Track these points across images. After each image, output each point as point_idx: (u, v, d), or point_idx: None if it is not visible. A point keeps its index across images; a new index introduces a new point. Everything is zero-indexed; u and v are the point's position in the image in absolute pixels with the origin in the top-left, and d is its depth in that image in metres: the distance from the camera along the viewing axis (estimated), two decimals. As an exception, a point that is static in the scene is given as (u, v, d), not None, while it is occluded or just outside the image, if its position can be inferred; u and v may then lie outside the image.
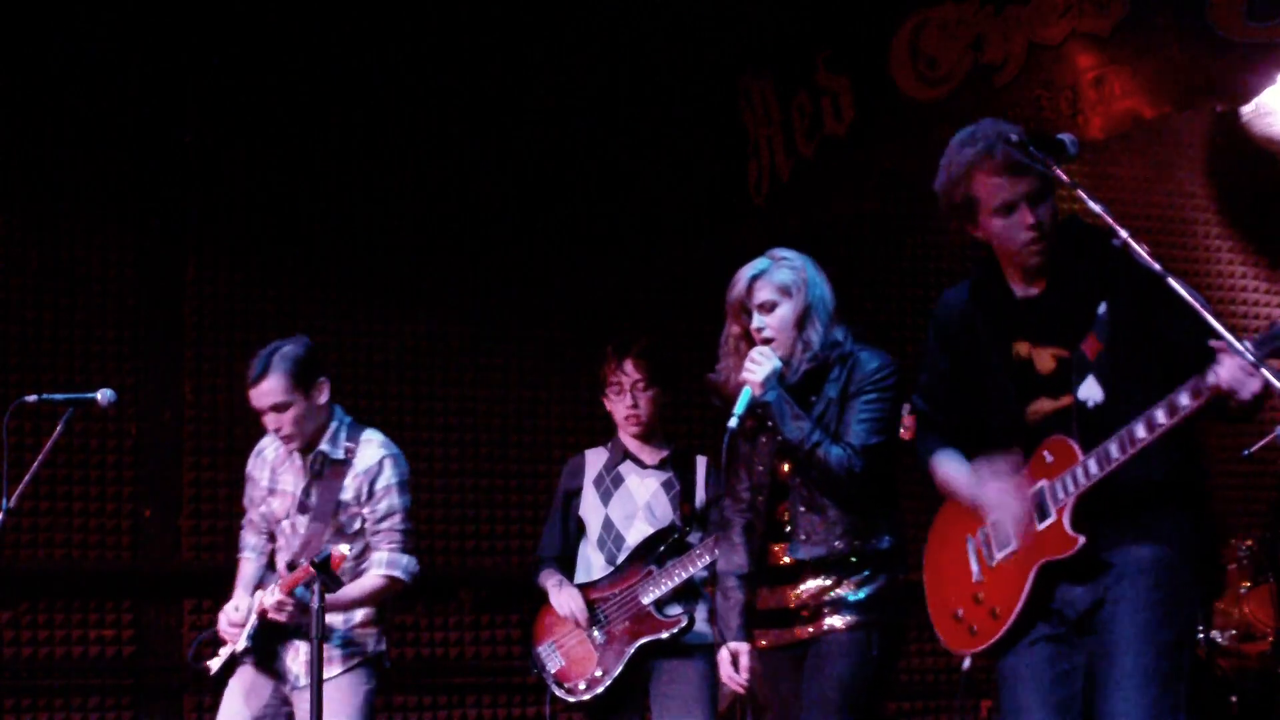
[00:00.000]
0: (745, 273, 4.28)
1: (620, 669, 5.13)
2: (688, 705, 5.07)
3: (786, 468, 4.25)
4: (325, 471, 4.86)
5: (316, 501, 4.85)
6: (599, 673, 5.16)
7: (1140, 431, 3.31)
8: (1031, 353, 3.60)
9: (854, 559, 4.17)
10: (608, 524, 5.30)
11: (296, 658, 4.78)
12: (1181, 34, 5.51)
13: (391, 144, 6.95)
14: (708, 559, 5.03)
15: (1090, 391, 3.50)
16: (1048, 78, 5.83)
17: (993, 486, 3.60)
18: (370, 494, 4.84)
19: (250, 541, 5.11)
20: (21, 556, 6.31)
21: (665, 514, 5.28)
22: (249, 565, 5.08)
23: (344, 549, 4.61)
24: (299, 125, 6.81)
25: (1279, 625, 6.13)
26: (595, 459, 5.43)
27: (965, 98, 6.03)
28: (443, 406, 6.91)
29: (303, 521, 4.88)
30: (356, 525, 4.84)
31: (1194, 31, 5.46)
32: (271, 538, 5.05)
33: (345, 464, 4.85)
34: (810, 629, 4.18)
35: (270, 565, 5.05)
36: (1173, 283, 3.21)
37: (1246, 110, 7.30)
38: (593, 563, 5.31)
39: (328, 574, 4.53)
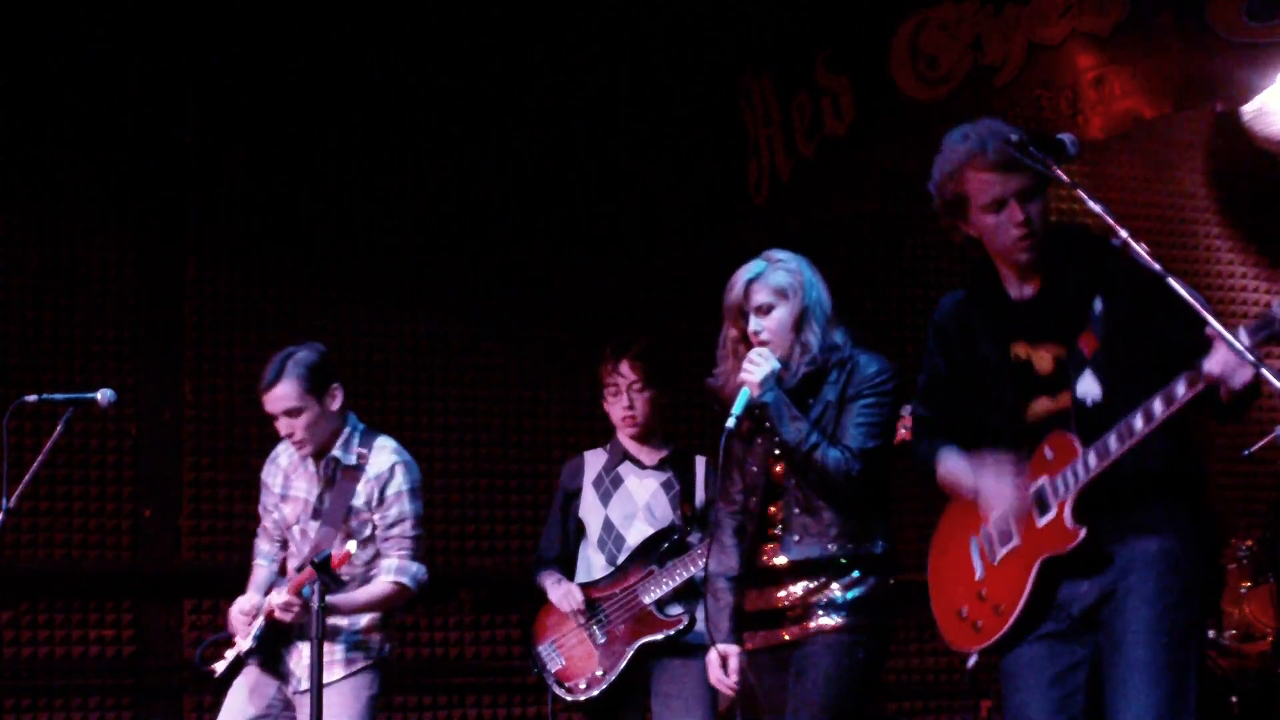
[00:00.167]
0: (741, 275, 4.27)
1: (621, 669, 5.14)
2: (688, 705, 5.07)
3: (780, 469, 4.24)
4: (337, 477, 4.87)
5: (328, 507, 4.86)
6: (600, 672, 5.16)
7: (1139, 423, 3.32)
8: (1030, 353, 3.61)
9: (844, 561, 4.16)
10: (608, 525, 5.31)
11: (300, 660, 4.78)
12: (1181, 34, 5.51)
13: (391, 144, 6.95)
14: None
15: (1088, 388, 3.50)
16: (1048, 78, 5.83)
17: (991, 479, 3.60)
18: (381, 500, 4.84)
19: (263, 549, 5.12)
20: (21, 556, 6.31)
21: (665, 514, 5.28)
22: (261, 571, 5.09)
23: (351, 546, 4.62)
24: (299, 125, 6.81)
25: (1279, 625, 6.13)
26: (594, 460, 5.44)
27: (965, 98, 6.03)
28: (443, 406, 6.91)
29: (314, 527, 4.89)
30: (367, 531, 4.84)
31: (1194, 31, 5.47)
32: (284, 545, 5.06)
33: (358, 469, 4.86)
34: (797, 630, 4.16)
35: (282, 571, 5.06)
36: (1172, 283, 3.22)
37: (1246, 110, 7.30)
38: (593, 563, 5.32)
39: (328, 574, 4.53)
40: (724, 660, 4.29)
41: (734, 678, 4.29)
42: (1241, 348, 3.09)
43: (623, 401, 5.29)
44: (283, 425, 4.86)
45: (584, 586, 5.26)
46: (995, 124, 3.57)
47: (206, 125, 6.75)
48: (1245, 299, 8.08)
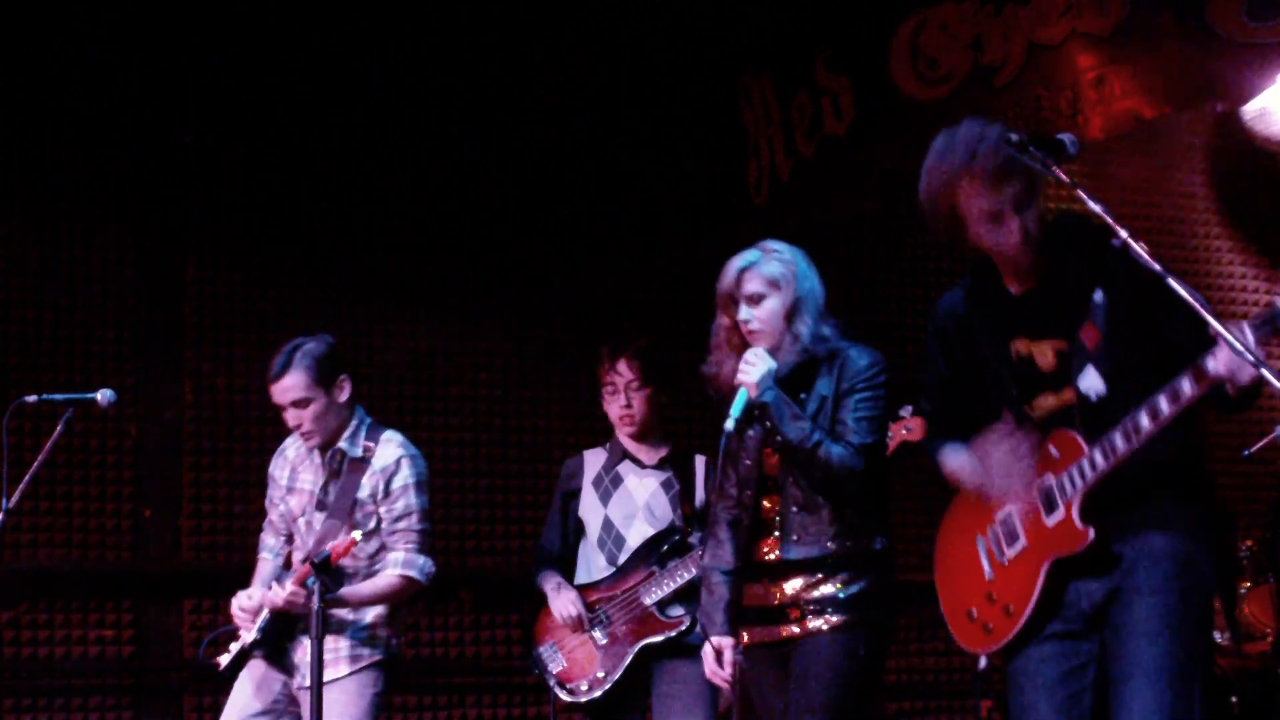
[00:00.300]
0: (734, 264, 4.25)
1: (622, 670, 5.13)
2: (689, 706, 5.07)
3: (774, 461, 4.23)
4: (343, 469, 4.87)
5: (334, 499, 4.86)
6: (601, 673, 5.16)
7: (1144, 421, 3.32)
8: (1031, 349, 3.60)
9: (844, 558, 4.15)
10: (607, 524, 5.30)
11: (306, 654, 4.77)
12: (1181, 34, 5.51)
13: (391, 144, 6.95)
14: (708, 559, 5.03)
15: (1091, 383, 3.50)
16: (1048, 78, 5.83)
17: (999, 474, 3.58)
18: (387, 492, 4.84)
19: (269, 543, 5.12)
20: (21, 556, 6.31)
21: (665, 514, 5.28)
22: (266, 565, 5.09)
23: (356, 535, 4.62)
24: (299, 125, 6.81)
25: (1279, 625, 6.13)
26: (594, 460, 5.44)
27: (965, 98, 6.03)
28: (443, 406, 6.91)
29: (319, 518, 4.89)
30: (372, 524, 4.84)
31: (1194, 31, 5.46)
32: (290, 539, 5.06)
33: (364, 462, 4.86)
34: (796, 629, 4.15)
35: (288, 565, 5.06)
36: (1172, 283, 3.21)
37: (1247, 110, 7.30)
38: (593, 563, 5.31)
39: (327, 573, 4.53)
40: (718, 654, 4.28)
41: (728, 670, 4.28)
42: (1241, 348, 3.09)
43: (620, 400, 5.29)
44: (290, 416, 4.87)
45: (585, 587, 5.26)
46: (975, 128, 3.54)
47: (206, 125, 6.75)
48: (1245, 299, 8.08)
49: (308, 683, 4.62)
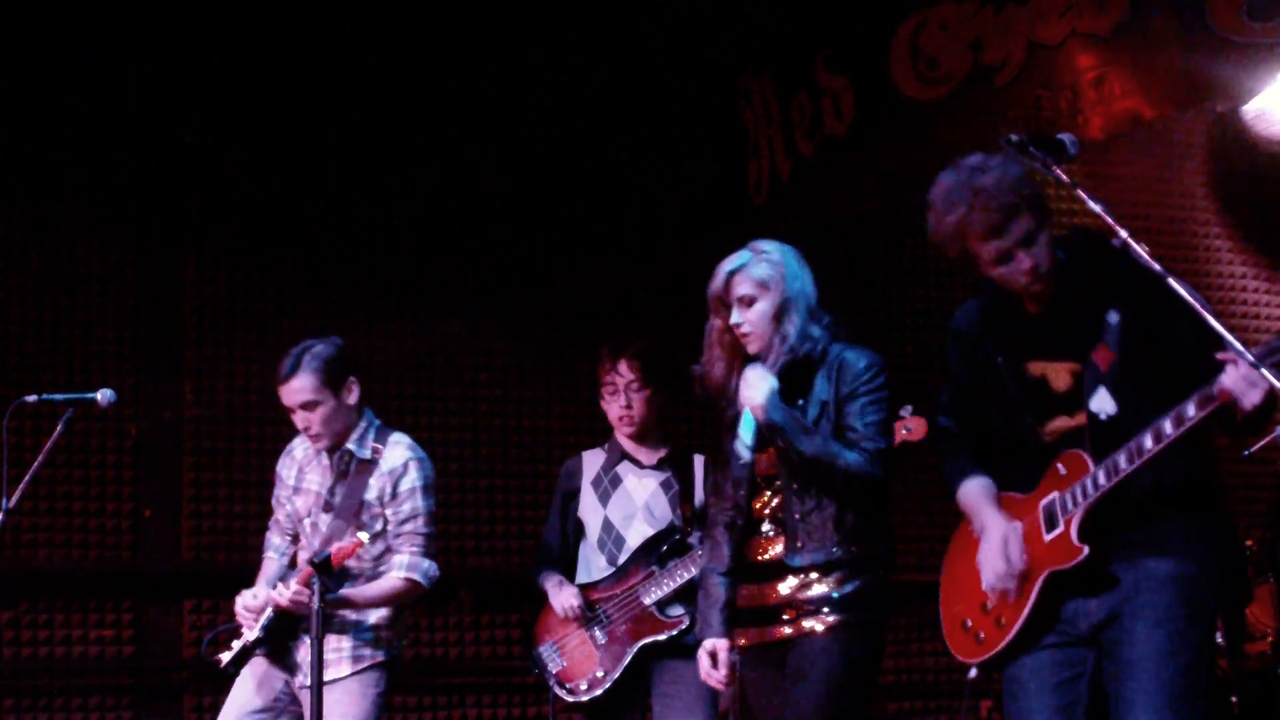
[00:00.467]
0: (724, 267, 4.25)
1: (622, 669, 5.14)
2: (689, 706, 5.07)
3: (766, 461, 4.21)
4: (351, 470, 4.88)
5: (341, 500, 4.87)
6: (600, 673, 5.16)
7: (1148, 442, 3.32)
8: (1045, 371, 3.60)
9: (846, 562, 4.13)
10: (607, 525, 5.31)
11: (308, 653, 4.77)
12: (1181, 34, 5.51)
13: (391, 144, 6.95)
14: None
15: (1103, 404, 3.49)
16: (1048, 78, 5.82)
17: (992, 551, 3.59)
18: (394, 495, 4.85)
19: (274, 542, 5.13)
20: (21, 556, 6.31)
21: (664, 514, 5.28)
22: (271, 564, 5.09)
23: (362, 536, 4.62)
24: (299, 125, 6.81)
25: (1279, 625, 6.13)
26: (593, 460, 5.44)
27: (965, 98, 6.03)
28: (443, 406, 6.91)
29: (325, 519, 4.89)
30: (378, 526, 4.84)
31: (1194, 31, 5.46)
32: (296, 539, 5.06)
33: (371, 464, 4.87)
34: (790, 629, 4.13)
35: (293, 565, 5.06)
36: (1173, 283, 3.21)
37: (1247, 110, 7.30)
38: (593, 563, 5.32)
39: (327, 573, 4.53)
40: (713, 656, 4.28)
41: (723, 671, 4.28)
42: (1241, 348, 3.09)
43: (620, 401, 5.29)
44: (299, 418, 4.87)
45: (585, 587, 5.26)
46: (975, 174, 3.53)
47: (206, 125, 6.75)
48: (1245, 299, 8.08)
49: (309, 682, 4.62)
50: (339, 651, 4.80)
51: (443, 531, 6.68)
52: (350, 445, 4.90)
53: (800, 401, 4.16)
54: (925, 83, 6.20)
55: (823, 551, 4.12)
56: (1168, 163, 8.07)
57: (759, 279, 4.20)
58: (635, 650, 5.14)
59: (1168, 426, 3.28)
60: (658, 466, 5.35)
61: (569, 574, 5.34)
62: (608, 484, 5.36)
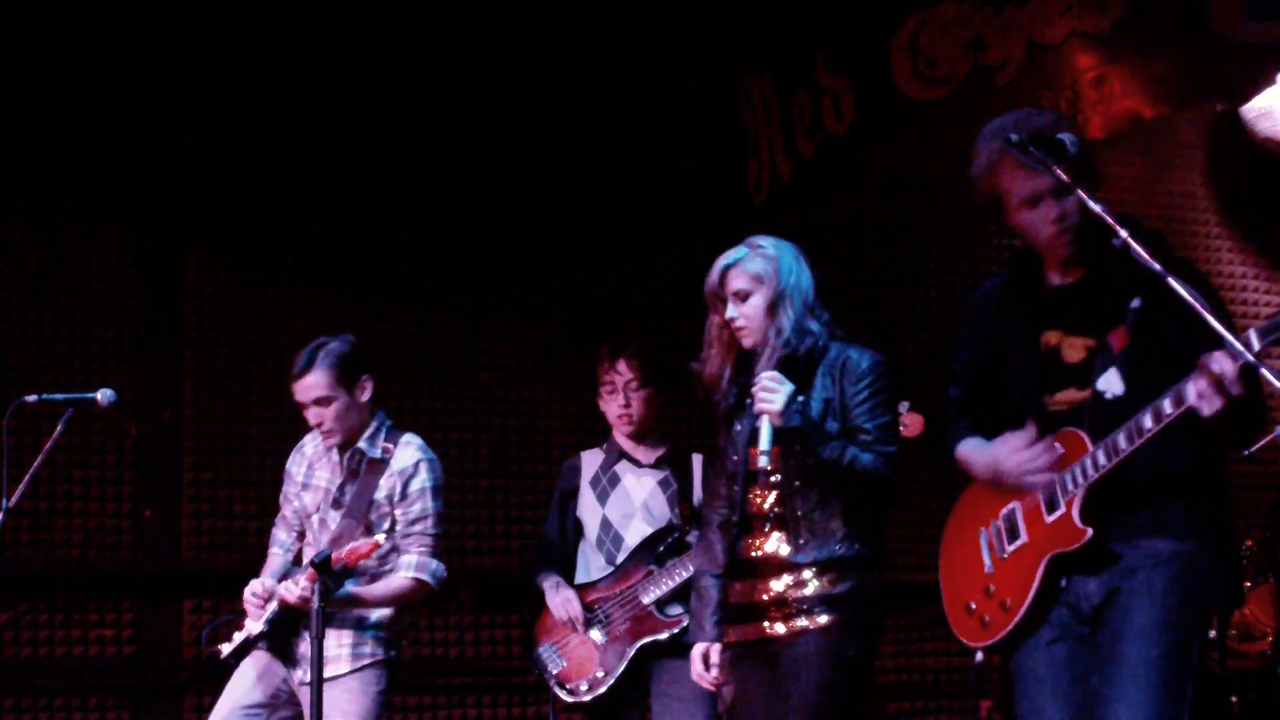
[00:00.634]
0: (720, 262, 4.26)
1: (621, 669, 5.14)
2: (689, 705, 5.07)
3: (762, 459, 4.18)
4: (361, 469, 4.89)
5: (350, 498, 4.88)
6: (600, 673, 5.16)
7: (1148, 422, 3.32)
8: (1061, 341, 3.59)
9: (846, 560, 4.13)
10: (605, 524, 5.31)
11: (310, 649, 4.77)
12: (1181, 34, 5.51)
13: (391, 144, 6.95)
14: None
15: (1110, 384, 3.49)
16: (1048, 78, 5.83)
17: (1013, 452, 3.56)
18: (404, 495, 4.86)
19: (280, 537, 5.13)
20: (21, 556, 6.31)
21: (662, 513, 5.28)
22: (276, 560, 5.10)
23: (380, 538, 4.63)
24: (299, 125, 6.81)
25: (1279, 625, 6.13)
26: (591, 460, 5.44)
27: (965, 98, 6.03)
28: (442, 406, 6.91)
29: (334, 516, 4.90)
30: (386, 525, 4.85)
31: (1194, 31, 5.46)
32: (302, 535, 5.07)
33: (382, 463, 4.88)
34: (783, 628, 4.12)
35: (298, 562, 5.06)
36: (1173, 283, 3.22)
37: (1247, 110, 7.30)
38: (592, 563, 5.32)
39: (328, 573, 4.53)
40: (705, 658, 4.27)
41: (714, 673, 4.27)
42: (1241, 347, 3.09)
43: (619, 400, 5.30)
44: (312, 415, 4.88)
45: (583, 587, 5.27)
46: (1024, 113, 3.57)
47: (206, 125, 6.74)
48: (1245, 299, 8.08)
49: (310, 678, 4.62)
50: (339, 649, 4.80)
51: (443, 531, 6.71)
52: (361, 444, 4.91)
53: (800, 398, 4.15)
54: (925, 83, 6.20)
55: (825, 550, 4.12)
56: (1168, 163, 8.07)
57: (753, 273, 4.20)
58: (635, 650, 5.14)
59: (1166, 406, 3.28)
60: (656, 465, 5.35)
61: (568, 574, 5.35)
62: (606, 483, 5.36)
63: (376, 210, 6.90)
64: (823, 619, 4.09)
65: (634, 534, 5.27)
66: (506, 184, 7.05)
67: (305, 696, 4.70)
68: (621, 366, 5.28)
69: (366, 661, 4.83)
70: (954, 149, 6.14)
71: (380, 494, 4.85)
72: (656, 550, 5.20)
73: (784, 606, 4.13)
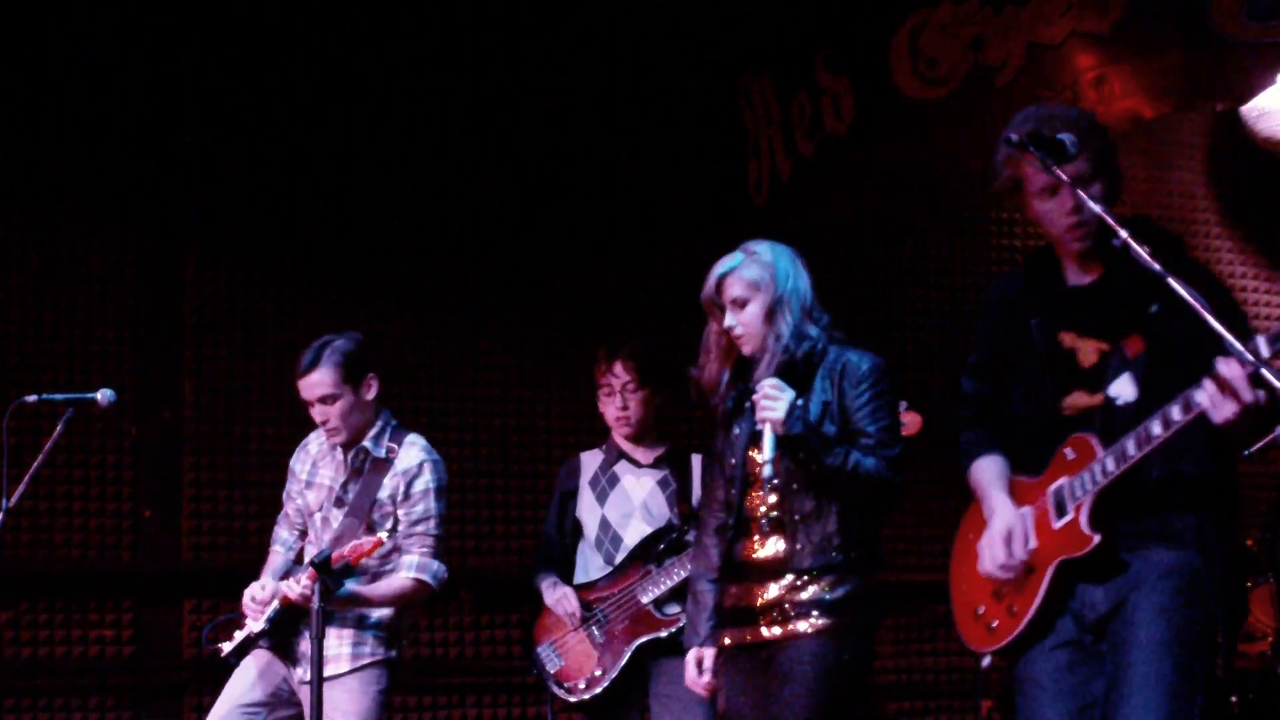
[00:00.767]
0: (716, 270, 4.22)
1: (620, 668, 5.14)
2: (687, 705, 5.06)
3: (767, 469, 4.16)
4: (365, 468, 4.90)
5: (353, 497, 4.88)
6: (599, 672, 5.17)
7: (1157, 428, 3.30)
8: (1076, 344, 3.57)
9: (843, 564, 4.11)
10: (604, 524, 5.31)
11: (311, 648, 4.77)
12: (1181, 34, 5.51)
13: (391, 144, 6.95)
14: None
15: (1122, 389, 3.47)
16: (1048, 78, 5.83)
17: (996, 541, 3.58)
18: (407, 495, 4.86)
19: (282, 536, 5.14)
20: (21, 556, 6.31)
21: (662, 513, 5.29)
22: (277, 558, 5.10)
23: (383, 536, 4.64)
24: (299, 125, 6.81)
25: (1279, 625, 6.13)
26: (590, 460, 5.45)
27: (965, 98, 6.03)
28: (442, 406, 6.91)
29: (337, 515, 4.91)
30: (389, 525, 4.85)
31: (1194, 31, 5.46)
32: (304, 534, 5.07)
33: (386, 463, 4.88)
34: (778, 631, 4.10)
35: (299, 560, 5.06)
36: (1173, 283, 3.21)
37: (1247, 110, 7.30)
38: (591, 563, 5.32)
39: (327, 573, 4.53)
40: (699, 662, 4.27)
41: (707, 678, 4.27)
42: (1242, 349, 3.08)
43: (616, 402, 5.30)
44: (317, 412, 4.89)
45: (582, 587, 5.27)
46: (1048, 106, 3.56)
47: (206, 125, 6.75)
48: (1245, 299, 8.08)
49: (310, 677, 4.62)
50: (340, 648, 4.80)
51: (443, 531, 6.71)
52: (366, 443, 4.91)
53: (800, 401, 4.13)
54: (925, 83, 6.21)
55: (823, 554, 4.10)
56: (1168, 163, 8.07)
57: (750, 280, 4.17)
58: (633, 649, 5.15)
59: (1175, 413, 3.26)
60: (655, 465, 5.35)
61: (567, 574, 5.35)
62: (605, 483, 5.37)
63: (376, 210, 6.90)
64: (820, 622, 4.07)
65: (633, 534, 5.27)
66: (506, 184, 7.05)
67: (305, 695, 4.70)
68: (618, 368, 5.28)
69: (367, 661, 4.83)
70: (954, 149, 6.18)
71: (384, 493, 4.86)
72: (655, 550, 5.20)
73: (780, 610, 4.11)
